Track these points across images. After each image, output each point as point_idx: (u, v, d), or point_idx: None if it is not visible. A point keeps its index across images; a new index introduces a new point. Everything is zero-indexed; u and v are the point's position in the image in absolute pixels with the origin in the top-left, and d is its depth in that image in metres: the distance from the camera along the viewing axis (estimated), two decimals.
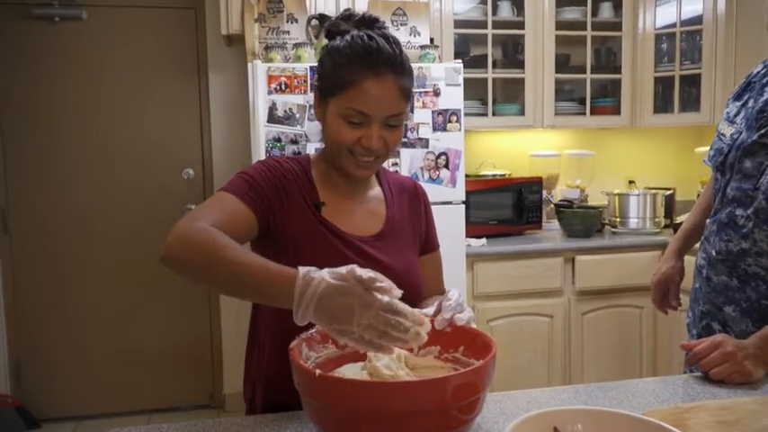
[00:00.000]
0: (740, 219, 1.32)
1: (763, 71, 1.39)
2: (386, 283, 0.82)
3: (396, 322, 0.80)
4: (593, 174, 3.51)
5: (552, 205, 3.38)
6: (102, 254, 3.37)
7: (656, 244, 3.08)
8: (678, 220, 3.23)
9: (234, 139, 3.40)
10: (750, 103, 1.36)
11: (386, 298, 0.81)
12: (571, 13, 3.29)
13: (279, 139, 2.54)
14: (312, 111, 2.54)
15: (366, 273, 0.82)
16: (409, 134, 2.63)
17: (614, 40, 3.39)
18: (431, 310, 1.01)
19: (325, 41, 2.88)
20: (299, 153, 2.56)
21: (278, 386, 0.86)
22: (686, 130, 3.63)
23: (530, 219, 3.22)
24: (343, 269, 0.83)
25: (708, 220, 1.46)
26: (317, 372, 0.76)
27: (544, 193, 3.32)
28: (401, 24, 2.95)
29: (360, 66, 1.07)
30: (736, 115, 1.40)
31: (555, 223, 3.33)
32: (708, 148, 3.40)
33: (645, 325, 3.11)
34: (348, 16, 1.16)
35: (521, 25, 3.21)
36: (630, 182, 3.59)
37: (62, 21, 3.24)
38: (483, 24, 3.19)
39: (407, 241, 1.24)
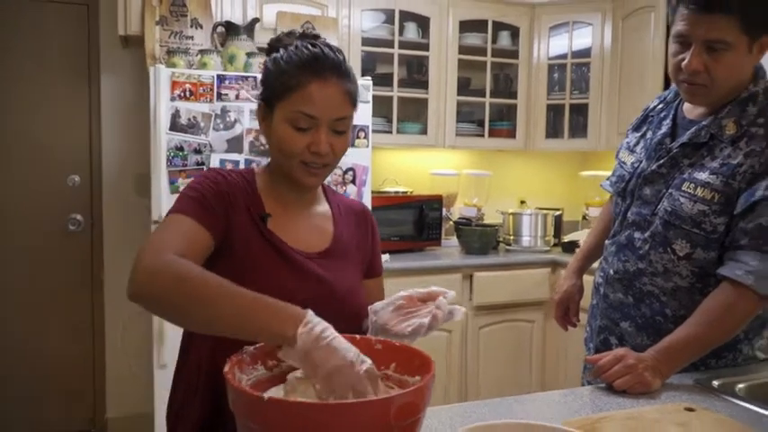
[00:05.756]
0: (638, 241, 1.43)
1: (660, 106, 1.52)
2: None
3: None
4: (488, 193, 3.66)
5: (452, 223, 3.49)
6: None
7: (547, 261, 3.26)
8: (566, 239, 3.44)
9: (127, 146, 3.22)
10: (649, 135, 1.48)
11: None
12: (473, 39, 3.43)
13: (181, 148, 2.44)
14: (217, 121, 2.49)
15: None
16: None
17: (511, 67, 3.58)
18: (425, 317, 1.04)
19: (232, 49, 2.81)
20: (203, 163, 2.47)
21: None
22: (573, 154, 3.88)
23: (430, 235, 3.30)
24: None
25: (607, 242, 1.56)
26: (266, 396, 0.73)
27: (443, 210, 3.42)
28: None
29: (306, 70, 1.08)
30: (635, 145, 1.51)
31: (453, 240, 3.43)
32: (594, 172, 3.65)
33: (535, 338, 3.27)
34: (290, 32, 1.17)
35: (425, 47, 3.31)
36: (522, 202, 3.78)
37: None
38: (389, 44, 3.25)
39: (353, 262, 1.23)
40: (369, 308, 1.10)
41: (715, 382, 1.28)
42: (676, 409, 1.14)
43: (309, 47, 1.10)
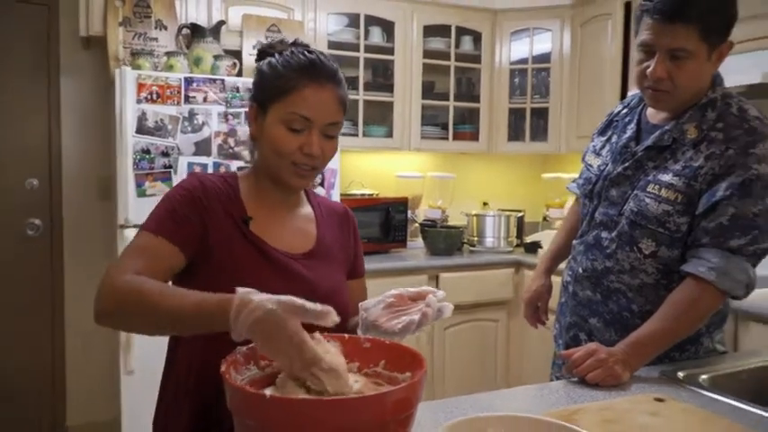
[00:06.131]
0: (605, 240, 1.49)
1: (624, 111, 1.58)
2: (321, 307, 0.85)
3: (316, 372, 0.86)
4: (453, 195, 3.72)
5: (417, 224, 3.53)
6: None
7: (510, 262, 3.34)
8: (528, 239, 3.53)
9: (89, 148, 3.16)
10: (614, 139, 1.55)
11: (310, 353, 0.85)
12: (436, 44, 3.49)
13: (148, 151, 2.41)
14: (185, 124, 2.47)
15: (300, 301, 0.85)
16: None
17: (474, 72, 3.65)
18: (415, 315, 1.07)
19: (198, 51, 2.79)
20: (171, 166, 2.45)
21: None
22: (534, 157, 3.98)
23: (396, 237, 3.34)
24: (282, 298, 0.85)
25: (575, 241, 1.62)
26: (268, 393, 0.75)
27: (409, 212, 3.47)
28: None
29: (303, 74, 1.11)
30: (601, 148, 1.58)
31: (418, 242, 3.48)
32: (554, 174, 3.75)
33: (499, 337, 3.34)
34: (282, 41, 1.20)
35: (390, 51, 3.34)
36: (485, 204, 3.85)
37: None
38: (355, 47, 3.28)
39: (337, 263, 1.26)
40: (359, 305, 1.13)
41: (680, 374, 1.34)
42: (647, 399, 1.20)
43: (306, 53, 1.14)
